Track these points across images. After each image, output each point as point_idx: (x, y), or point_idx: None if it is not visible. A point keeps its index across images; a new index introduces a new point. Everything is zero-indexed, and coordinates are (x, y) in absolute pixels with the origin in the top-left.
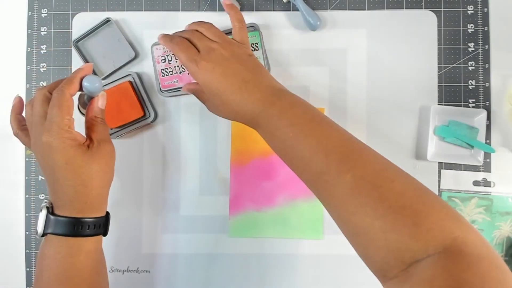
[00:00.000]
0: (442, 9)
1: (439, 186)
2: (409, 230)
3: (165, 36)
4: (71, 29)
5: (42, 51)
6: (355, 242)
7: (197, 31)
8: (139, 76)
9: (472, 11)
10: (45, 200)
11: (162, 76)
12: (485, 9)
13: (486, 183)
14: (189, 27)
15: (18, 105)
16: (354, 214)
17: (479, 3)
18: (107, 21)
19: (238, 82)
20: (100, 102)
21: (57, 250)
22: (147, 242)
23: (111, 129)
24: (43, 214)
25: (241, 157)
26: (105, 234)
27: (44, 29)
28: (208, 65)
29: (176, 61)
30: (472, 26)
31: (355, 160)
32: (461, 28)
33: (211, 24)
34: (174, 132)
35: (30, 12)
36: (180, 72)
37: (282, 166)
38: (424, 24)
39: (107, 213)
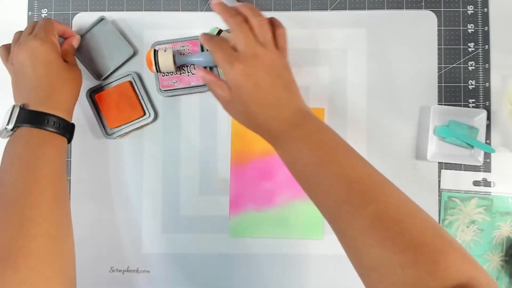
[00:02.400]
0: (442, 9)
1: (439, 186)
2: (428, 266)
3: (205, 36)
4: (71, 29)
5: None
6: (368, 277)
7: (246, 22)
8: (139, 75)
9: (472, 11)
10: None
11: (162, 76)
12: (485, 9)
13: (486, 183)
14: (241, 9)
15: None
16: (372, 246)
17: (479, 3)
18: (101, 19)
19: (270, 97)
20: (75, 42)
21: (29, 139)
22: (147, 242)
23: (111, 129)
24: (16, 110)
25: (241, 157)
26: (69, 140)
27: None
28: (246, 70)
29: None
30: (472, 26)
31: (378, 193)
32: (461, 28)
33: (265, 20)
34: (174, 132)
35: (30, 12)
36: (180, 73)
37: (282, 166)
38: (424, 24)
39: (73, 124)
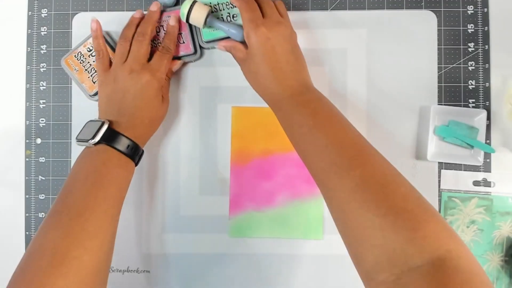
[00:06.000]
0: (442, 9)
1: (439, 186)
2: (407, 233)
3: None
4: (71, 29)
5: (42, 51)
6: (351, 239)
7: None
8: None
9: (472, 11)
10: (97, 119)
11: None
12: (485, 9)
13: (486, 183)
14: None
15: (100, 29)
16: (356, 208)
17: (479, 3)
18: None
19: (283, 62)
20: (175, 67)
21: (108, 158)
22: (147, 242)
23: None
24: (104, 127)
25: (241, 157)
26: (136, 163)
27: (44, 29)
28: (268, 33)
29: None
30: (472, 26)
31: (366, 158)
32: (461, 28)
33: (282, 1)
34: (174, 132)
35: (30, 12)
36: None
37: (282, 166)
38: (424, 24)
39: (143, 150)
